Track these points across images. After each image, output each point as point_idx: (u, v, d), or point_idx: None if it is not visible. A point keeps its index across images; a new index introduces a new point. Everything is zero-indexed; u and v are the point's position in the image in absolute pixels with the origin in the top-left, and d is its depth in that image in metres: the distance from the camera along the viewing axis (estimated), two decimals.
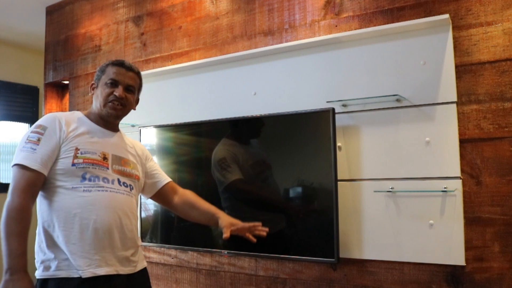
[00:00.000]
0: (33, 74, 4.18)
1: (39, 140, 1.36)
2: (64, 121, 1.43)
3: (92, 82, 1.56)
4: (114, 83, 1.49)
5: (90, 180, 1.39)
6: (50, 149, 1.37)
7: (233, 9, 2.37)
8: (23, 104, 4.22)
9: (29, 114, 4.26)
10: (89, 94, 1.56)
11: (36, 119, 4.26)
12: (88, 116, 1.53)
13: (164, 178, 1.71)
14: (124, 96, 1.49)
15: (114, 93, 1.47)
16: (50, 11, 3.33)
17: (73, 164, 1.38)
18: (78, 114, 1.53)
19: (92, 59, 3.00)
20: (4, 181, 4.01)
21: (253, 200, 2.11)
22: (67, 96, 3.32)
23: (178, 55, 2.55)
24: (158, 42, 2.65)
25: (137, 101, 1.61)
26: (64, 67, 3.19)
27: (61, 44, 3.22)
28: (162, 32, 2.63)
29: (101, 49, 2.96)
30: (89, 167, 1.40)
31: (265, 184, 2.08)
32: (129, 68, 1.53)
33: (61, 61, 3.21)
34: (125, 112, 1.55)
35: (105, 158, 1.45)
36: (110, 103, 1.48)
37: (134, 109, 1.59)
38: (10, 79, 4.10)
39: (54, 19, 3.30)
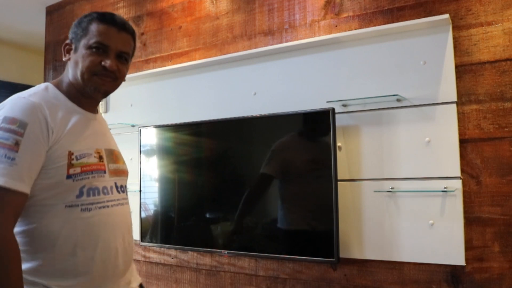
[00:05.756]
0: (33, 74, 4.18)
1: (17, 144, 0.94)
2: (47, 110, 1.02)
3: (67, 42, 1.15)
4: (101, 49, 1.09)
5: (88, 194, 1.05)
6: (35, 157, 0.97)
7: (233, 9, 2.37)
8: None
9: None
10: (64, 59, 1.16)
11: None
12: (62, 91, 1.12)
13: None
14: (116, 68, 1.11)
15: (103, 63, 1.08)
16: (50, 11, 3.33)
17: (69, 176, 1.01)
18: (52, 90, 1.11)
19: None
20: None
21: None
22: None
23: (178, 55, 2.55)
24: (158, 42, 2.65)
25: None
26: (64, 67, 3.18)
27: (61, 44, 3.20)
28: (162, 32, 2.63)
29: None
30: (88, 177, 1.05)
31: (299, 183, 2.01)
32: (122, 27, 1.13)
33: (61, 61, 3.21)
34: (115, 87, 1.16)
35: (100, 158, 1.11)
36: (96, 77, 1.09)
37: (124, 80, 1.19)
38: (10, 79, 4.11)
39: (54, 19, 3.30)
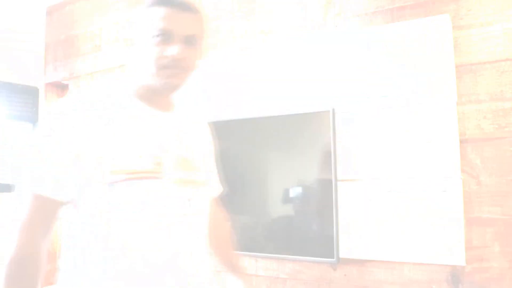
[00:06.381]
0: (33, 74, 4.18)
1: (45, 152, 0.93)
2: (92, 112, 0.94)
3: (133, 37, 1.06)
4: (164, 35, 0.95)
5: (132, 206, 0.94)
6: (66, 163, 0.91)
7: (233, 9, 2.37)
8: (22, 104, 4.22)
9: (29, 114, 4.25)
10: (131, 56, 1.15)
11: (36, 119, 4.25)
12: (130, 89, 1.03)
13: (217, 186, 1.30)
14: (182, 55, 0.95)
15: (165, 53, 0.94)
16: (50, 11, 3.33)
17: (110, 184, 0.91)
18: (114, 90, 1.03)
19: (92, 59, 3.00)
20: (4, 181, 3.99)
21: None
22: None
23: None
24: None
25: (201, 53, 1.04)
26: (64, 67, 3.19)
27: (61, 44, 3.22)
28: None
29: (101, 49, 2.96)
30: (133, 185, 0.93)
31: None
32: (184, 6, 0.97)
33: (61, 61, 3.21)
34: (185, 78, 1.01)
35: (158, 164, 0.97)
36: (163, 70, 0.96)
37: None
38: (10, 79, 4.10)
39: (54, 19, 3.30)
